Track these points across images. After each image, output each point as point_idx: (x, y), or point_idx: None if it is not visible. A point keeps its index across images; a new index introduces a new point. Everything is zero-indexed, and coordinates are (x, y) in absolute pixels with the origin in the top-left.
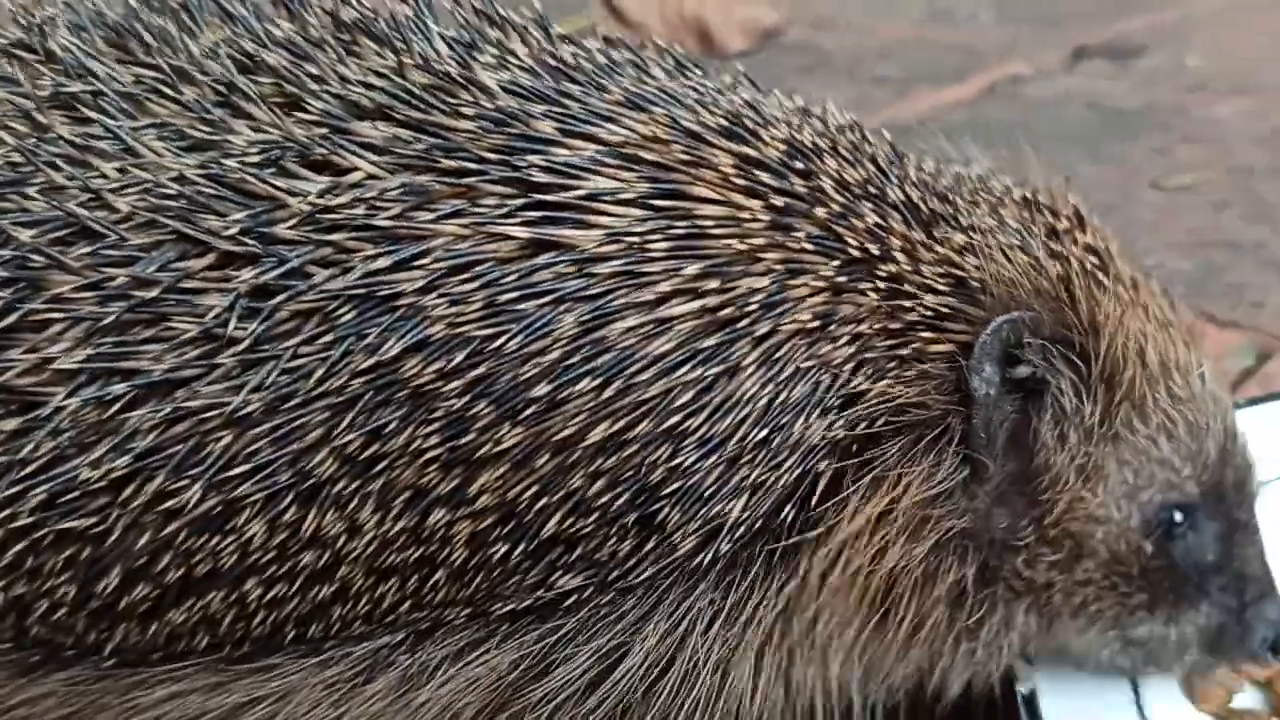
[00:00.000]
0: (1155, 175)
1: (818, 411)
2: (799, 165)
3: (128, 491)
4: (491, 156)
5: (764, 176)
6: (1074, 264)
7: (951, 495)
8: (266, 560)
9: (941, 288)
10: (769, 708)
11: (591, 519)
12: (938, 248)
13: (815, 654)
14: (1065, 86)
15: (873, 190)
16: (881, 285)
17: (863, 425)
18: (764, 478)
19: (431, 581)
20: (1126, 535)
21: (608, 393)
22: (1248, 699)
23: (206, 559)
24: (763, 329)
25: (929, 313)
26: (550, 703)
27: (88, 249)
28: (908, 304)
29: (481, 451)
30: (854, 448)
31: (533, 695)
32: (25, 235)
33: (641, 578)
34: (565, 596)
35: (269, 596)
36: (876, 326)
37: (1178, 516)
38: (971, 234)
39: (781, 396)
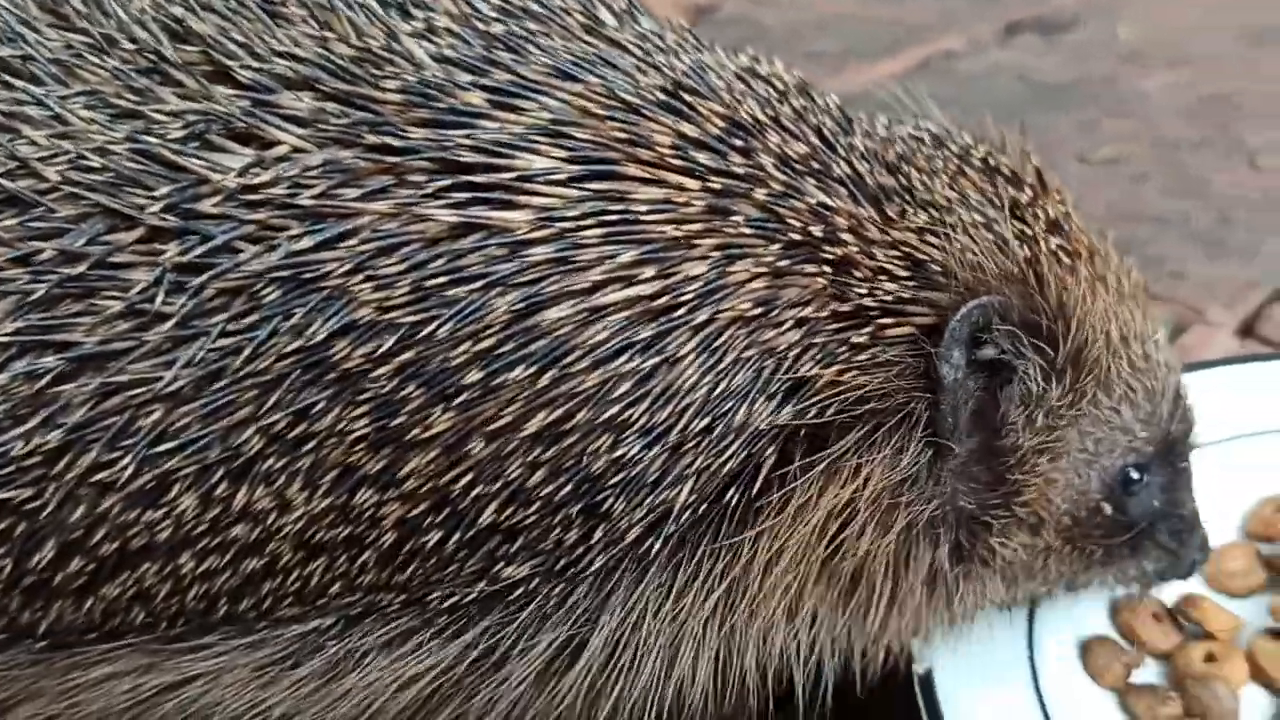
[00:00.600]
0: (1082, 148)
1: (762, 398)
2: (738, 142)
3: (61, 465)
4: (417, 133)
5: (701, 157)
6: (1041, 245)
7: (917, 481)
8: (199, 533)
9: (899, 271)
10: (710, 690)
11: (533, 509)
12: (892, 229)
13: (769, 638)
14: (997, 60)
15: (816, 166)
16: (828, 268)
17: (812, 413)
18: (708, 463)
19: (360, 562)
20: (1087, 500)
21: (543, 381)
22: (1146, 673)
23: (141, 532)
24: (701, 317)
25: (886, 297)
26: (505, 698)
27: (14, 219)
28: (859, 287)
29: (411, 434)
30: (802, 435)
31: (481, 691)
32: None
33: (592, 566)
34: (512, 588)
35: (202, 569)
36: (824, 311)
37: (1134, 475)
38: (930, 210)
39: (722, 385)
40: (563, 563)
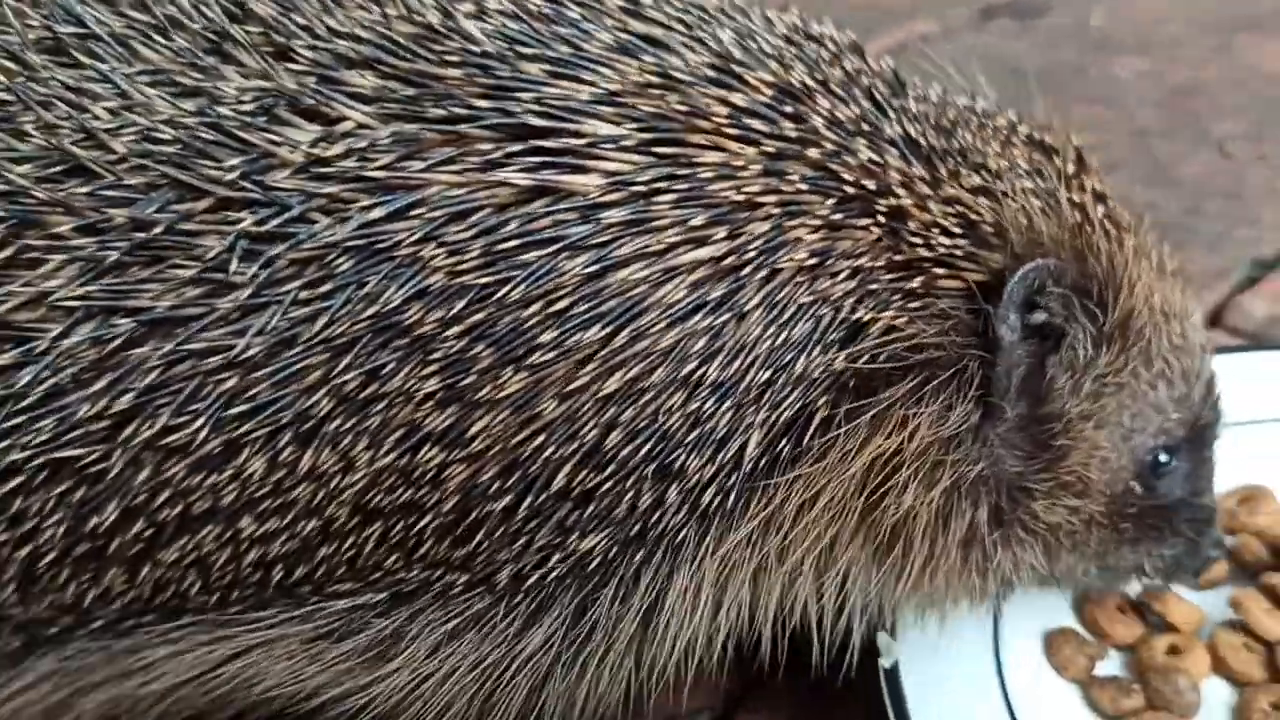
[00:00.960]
0: None
1: (819, 347)
2: (789, 109)
3: (129, 429)
4: (482, 103)
5: (755, 124)
6: (1090, 213)
7: (964, 440)
8: (262, 495)
9: (952, 227)
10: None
11: (607, 472)
12: (945, 186)
13: (811, 585)
14: (971, 44)
15: (867, 127)
16: (882, 219)
17: (865, 358)
18: (769, 415)
19: (418, 529)
20: (1121, 475)
21: (618, 341)
22: (1110, 665)
23: (205, 495)
24: (764, 272)
25: (941, 250)
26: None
27: (84, 188)
28: (913, 239)
29: (481, 394)
30: (853, 383)
31: (562, 673)
32: (18, 171)
33: (666, 529)
34: (587, 561)
35: (261, 531)
36: (879, 261)
37: (1164, 457)
38: (982, 173)
39: (784, 336)
40: (636, 529)
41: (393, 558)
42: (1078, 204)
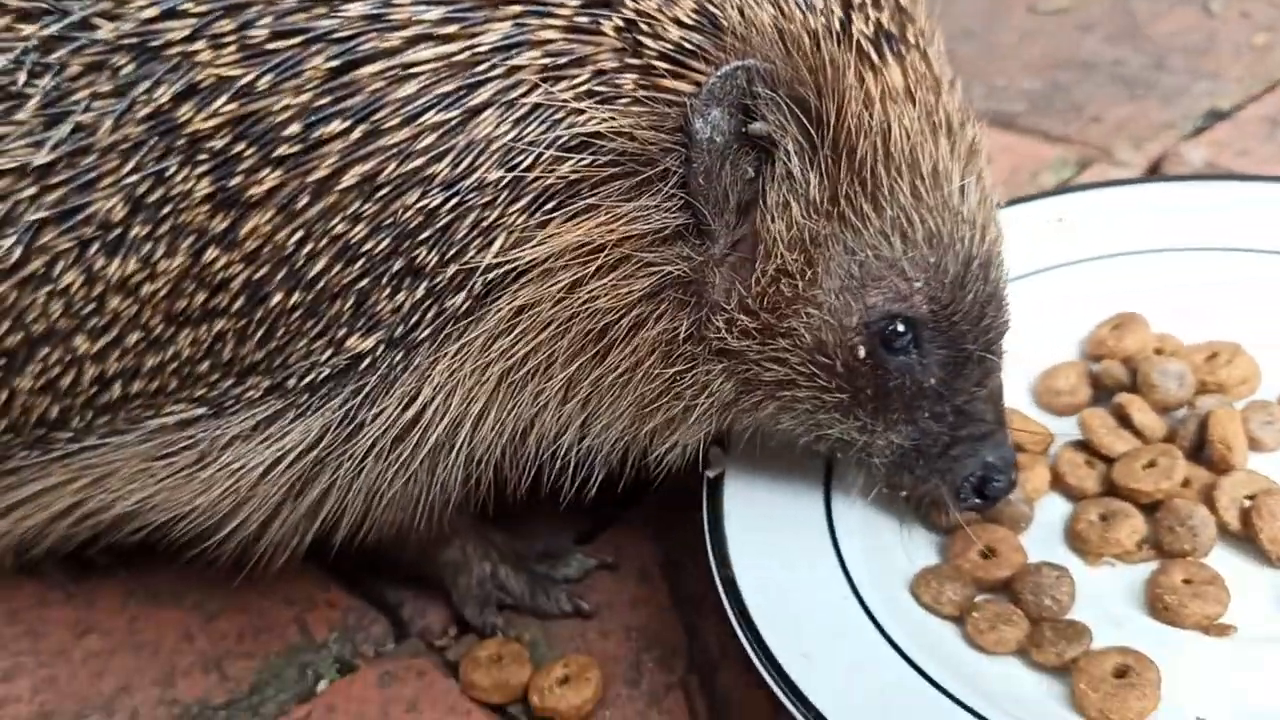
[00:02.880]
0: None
1: (551, 148)
2: None
3: None
4: None
5: None
6: (849, 38)
7: (668, 241)
8: (88, 312)
9: (689, 21)
10: (498, 443)
11: (358, 265)
12: None
13: (532, 387)
14: None
15: None
16: (622, 23)
17: (587, 160)
18: (505, 219)
19: (219, 331)
20: (839, 330)
21: (355, 135)
22: None
23: (39, 318)
24: (499, 71)
25: (672, 47)
26: (361, 463)
27: None
28: (651, 42)
29: (248, 193)
30: (575, 179)
31: (343, 464)
32: None
33: (426, 331)
34: (360, 359)
35: (95, 349)
36: (615, 64)
37: (900, 328)
38: None
39: (516, 135)
40: (400, 330)
41: (206, 365)
42: (839, 25)
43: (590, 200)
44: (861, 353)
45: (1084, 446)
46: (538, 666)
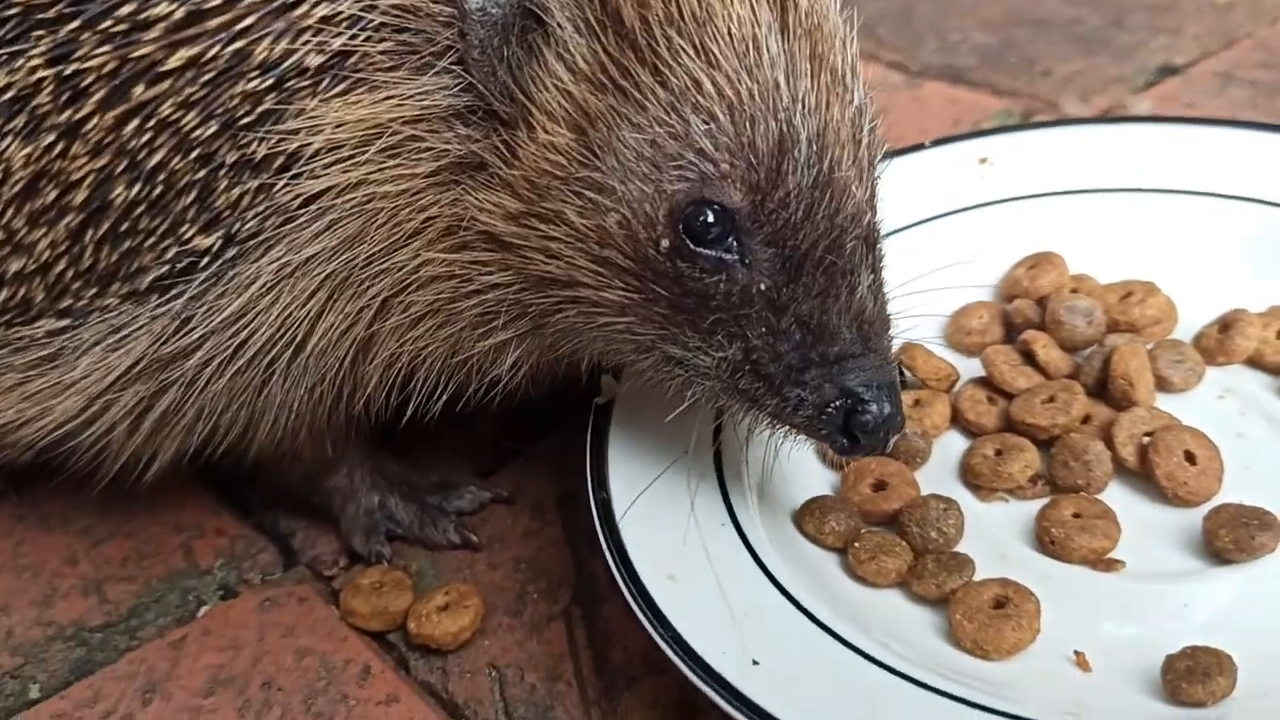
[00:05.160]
0: None
1: (348, 27)
2: None
3: None
4: None
5: None
6: None
7: (449, 121)
8: None
9: None
10: (337, 356)
11: (194, 156)
12: None
13: (351, 291)
14: None
15: None
16: None
17: (372, 36)
18: (307, 100)
19: (73, 229)
20: (636, 221)
21: (178, 16)
22: None
23: None
24: None
25: None
26: (202, 369)
27: None
28: None
29: (86, 80)
30: (362, 55)
31: (186, 369)
32: None
33: (262, 229)
34: (203, 256)
35: None
36: None
37: (708, 217)
38: None
39: (321, 14)
40: (237, 228)
41: (70, 272)
42: None
43: (374, 78)
44: (665, 244)
45: (986, 383)
46: (421, 596)
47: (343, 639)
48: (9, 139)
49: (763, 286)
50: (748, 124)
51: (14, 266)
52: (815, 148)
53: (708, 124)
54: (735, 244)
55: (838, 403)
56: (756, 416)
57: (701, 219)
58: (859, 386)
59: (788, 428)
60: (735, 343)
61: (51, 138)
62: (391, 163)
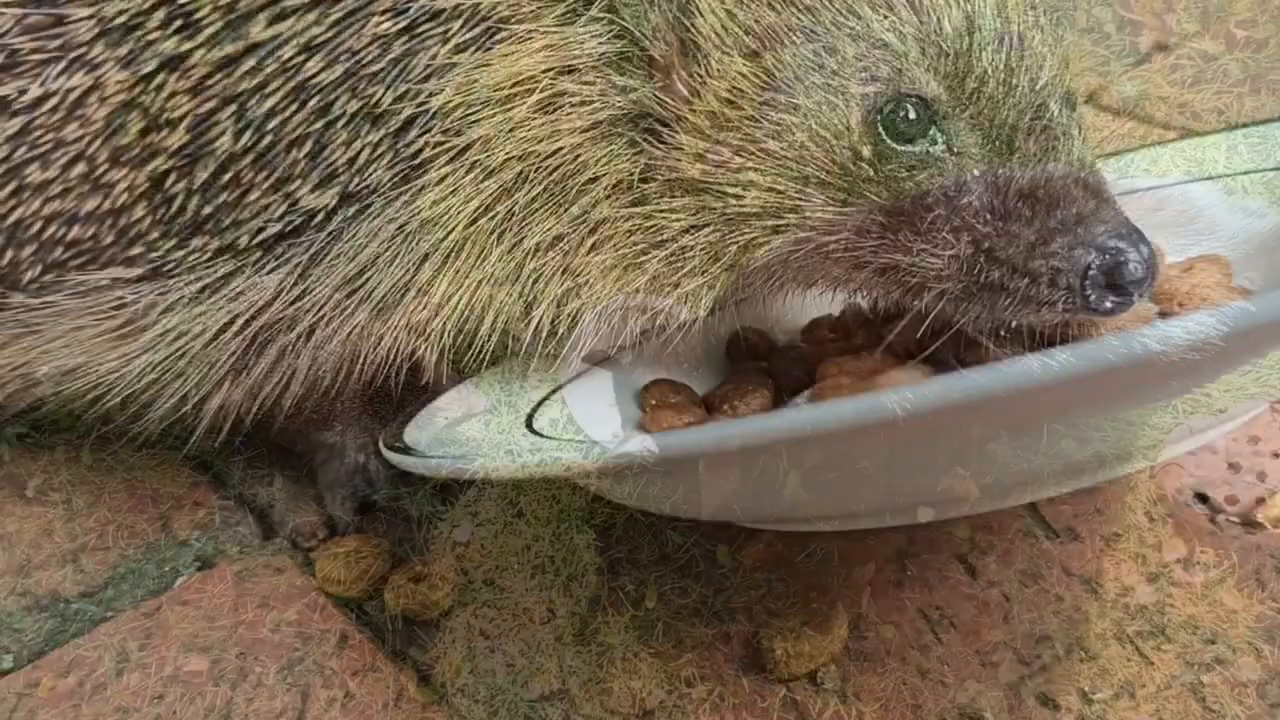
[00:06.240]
0: None
1: None
2: None
3: None
4: None
5: None
6: None
7: (598, 69)
8: (45, 139)
9: None
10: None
11: (310, 106)
12: None
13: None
14: None
15: None
16: None
17: None
18: (450, 52)
19: (158, 174)
20: (830, 133)
21: None
22: None
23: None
24: None
25: None
26: (311, 326)
27: None
28: None
29: (200, 14)
30: (509, 15)
31: (295, 326)
32: None
33: (380, 184)
34: (313, 216)
35: (42, 179)
36: None
37: (909, 113)
38: None
39: None
40: (355, 184)
41: (147, 220)
42: None
43: (516, 29)
44: (865, 151)
45: None
46: (398, 566)
47: (320, 609)
48: (110, 65)
49: (977, 171)
50: (929, 9)
51: (89, 205)
52: (1001, 20)
53: (887, 17)
54: (938, 134)
55: (1098, 261)
56: (1001, 309)
57: (902, 114)
58: (1112, 240)
59: (1038, 308)
60: (962, 235)
61: (153, 66)
62: (540, 119)
